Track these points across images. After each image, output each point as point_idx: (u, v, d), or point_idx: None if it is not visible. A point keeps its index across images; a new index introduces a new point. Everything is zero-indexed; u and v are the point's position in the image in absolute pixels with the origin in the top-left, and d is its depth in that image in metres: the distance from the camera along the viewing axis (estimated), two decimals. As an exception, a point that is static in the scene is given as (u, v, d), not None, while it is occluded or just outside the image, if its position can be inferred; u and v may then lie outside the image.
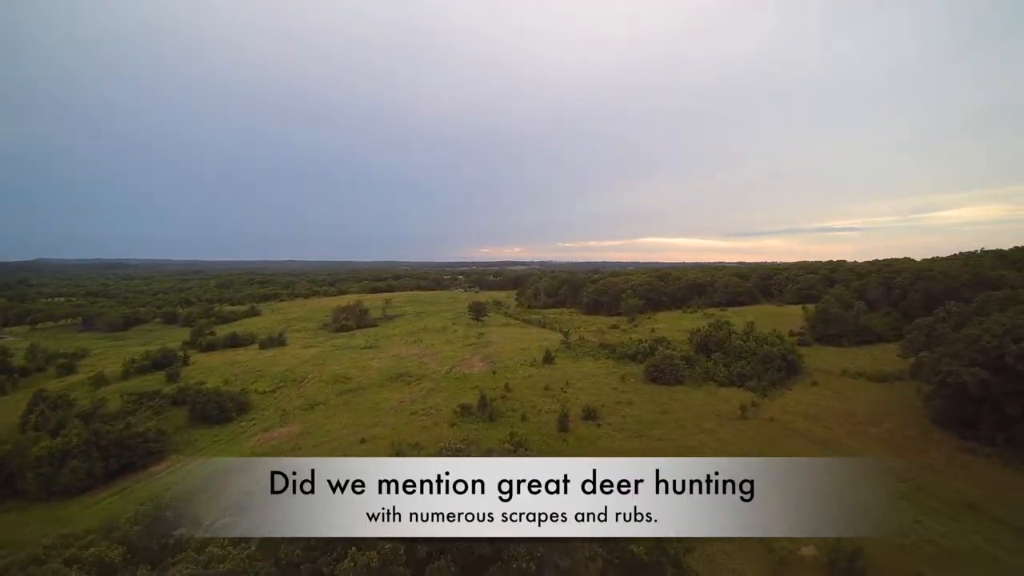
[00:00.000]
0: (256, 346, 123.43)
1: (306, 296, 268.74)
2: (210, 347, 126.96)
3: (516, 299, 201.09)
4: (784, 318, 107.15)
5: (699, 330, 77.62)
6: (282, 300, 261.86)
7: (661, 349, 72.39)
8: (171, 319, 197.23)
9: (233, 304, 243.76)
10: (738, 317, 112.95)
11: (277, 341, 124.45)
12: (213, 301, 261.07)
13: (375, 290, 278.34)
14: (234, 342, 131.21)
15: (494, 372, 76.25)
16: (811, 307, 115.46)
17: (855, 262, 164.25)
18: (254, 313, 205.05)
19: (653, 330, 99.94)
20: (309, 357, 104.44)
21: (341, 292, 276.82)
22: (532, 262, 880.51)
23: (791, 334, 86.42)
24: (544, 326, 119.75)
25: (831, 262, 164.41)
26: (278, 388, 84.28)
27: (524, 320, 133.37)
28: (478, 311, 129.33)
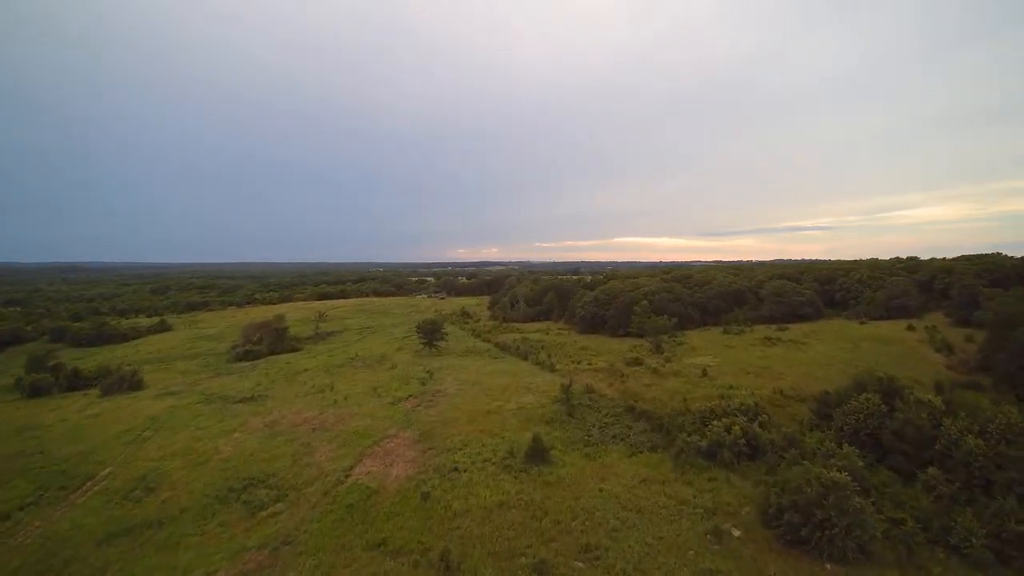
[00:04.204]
0: (98, 391, 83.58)
1: (240, 304, 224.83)
2: (39, 391, 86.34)
3: (489, 308, 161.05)
4: (896, 349, 69.58)
5: (833, 395, 38.84)
6: (212, 310, 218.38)
7: (785, 449, 33.44)
8: (59, 336, 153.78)
9: (151, 315, 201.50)
10: (820, 343, 75.33)
11: (128, 383, 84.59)
12: (127, 311, 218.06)
13: (325, 296, 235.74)
14: (74, 383, 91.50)
15: (426, 495, 36.19)
16: (919, 326, 78.81)
17: (915, 259, 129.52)
18: (163, 328, 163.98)
19: (706, 372, 61.23)
20: (143, 420, 63.92)
21: (284, 299, 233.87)
22: (509, 263, 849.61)
23: (955, 387, 48.44)
24: (526, 357, 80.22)
25: (891, 258, 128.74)
26: (31, 504, 44.69)
27: (497, 345, 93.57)
28: (431, 335, 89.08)
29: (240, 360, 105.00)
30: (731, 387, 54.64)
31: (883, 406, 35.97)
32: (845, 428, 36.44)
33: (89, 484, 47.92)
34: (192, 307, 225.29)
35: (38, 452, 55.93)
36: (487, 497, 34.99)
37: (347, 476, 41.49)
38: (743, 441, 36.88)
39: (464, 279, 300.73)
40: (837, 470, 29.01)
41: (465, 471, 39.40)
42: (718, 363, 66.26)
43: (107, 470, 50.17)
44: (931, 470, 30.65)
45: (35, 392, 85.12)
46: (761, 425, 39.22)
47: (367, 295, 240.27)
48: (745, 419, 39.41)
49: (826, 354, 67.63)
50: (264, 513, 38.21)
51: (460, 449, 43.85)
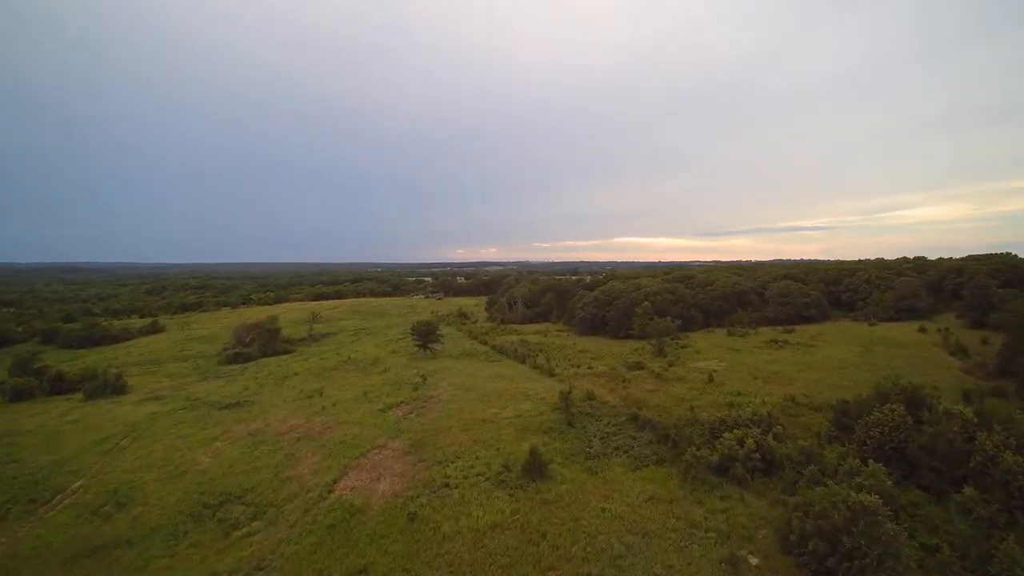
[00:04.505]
0: (81, 395, 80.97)
1: (234, 305, 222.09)
2: (21, 394, 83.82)
3: (487, 309, 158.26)
4: (909, 352, 66.87)
5: (852, 404, 36.06)
6: (206, 310, 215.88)
7: (801, 459, 30.64)
8: (50, 337, 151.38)
9: (144, 316, 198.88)
10: (829, 346, 72.67)
11: (112, 387, 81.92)
12: (120, 312, 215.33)
13: (321, 296, 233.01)
14: (58, 387, 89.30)
15: (413, 515, 33.35)
16: (930, 327, 76.27)
17: (922, 258, 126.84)
18: (155, 329, 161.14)
19: (712, 377, 58.47)
20: (122, 427, 61.22)
21: (280, 300, 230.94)
22: (508, 263, 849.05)
23: (984, 396, 45.62)
24: (524, 361, 77.37)
25: (885, 259, 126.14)
26: (-4, 521, 41.87)
27: (494, 347, 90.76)
28: (426, 336, 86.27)
29: (230, 363, 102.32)
30: (739, 394, 51.88)
31: (908, 417, 33.18)
32: (868, 442, 33.50)
33: (60, 497, 45.30)
34: (186, 308, 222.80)
35: (12, 461, 53.35)
36: (480, 517, 32.12)
37: (330, 492, 38.63)
38: (757, 455, 34.04)
39: (462, 279, 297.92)
40: (867, 491, 26.22)
41: (456, 487, 36.53)
42: (724, 367, 63.49)
43: (79, 482, 47.48)
44: (967, 490, 27.82)
45: (17, 396, 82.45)
46: (775, 437, 36.39)
47: (364, 295, 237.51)
48: (759, 431, 36.57)
49: (837, 358, 64.90)
50: (239, 533, 35.38)
51: (452, 462, 41.01)
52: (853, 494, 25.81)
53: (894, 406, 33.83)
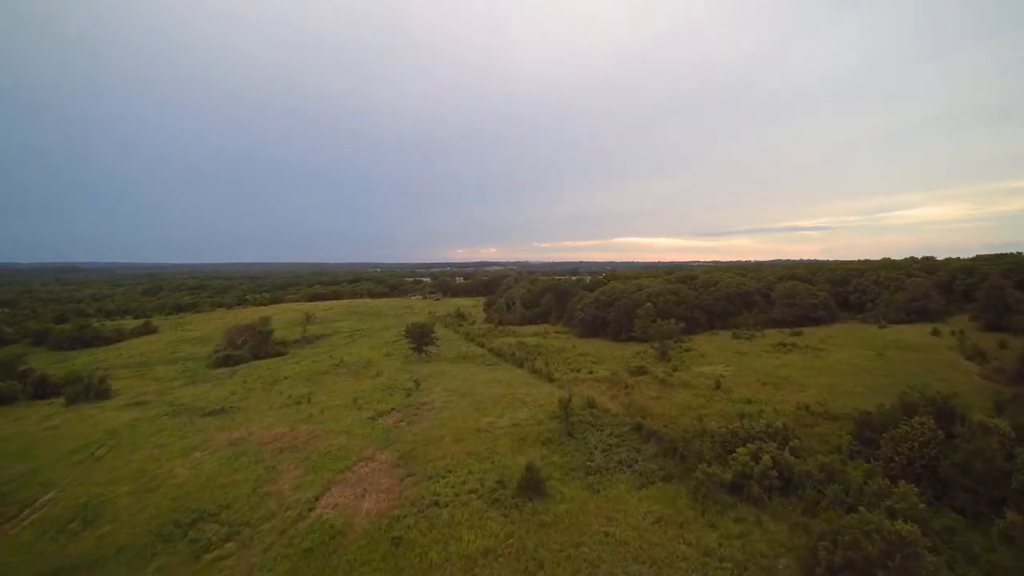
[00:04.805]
0: (63, 399, 78.31)
1: (229, 306, 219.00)
2: (3, 399, 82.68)
3: (485, 310, 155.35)
4: (925, 357, 63.99)
5: (875, 416, 33.22)
6: (201, 311, 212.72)
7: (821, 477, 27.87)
8: (41, 338, 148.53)
9: (138, 317, 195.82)
10: (839, 350, 69.83)
11: (96, 391, 79.14)
12: (114, 313, 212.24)
13: (317, 297, 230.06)
14: (41, 391, 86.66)
15: (398, 540, 30.47)
16: (944, 330, 73.39)
17: (931, 258, 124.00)
18: (148, 331, 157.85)
19: (719, 383, 55.53)
20: (101, 435, 58.51)
21: (275, 301, 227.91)
22: (508, 263, 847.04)
23: (1013, 405, 42.81)
24: (522, 364, 74.50)
25: (893, 259, 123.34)
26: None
27: (491, 350, 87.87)
28: (420, 339, 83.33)
29: (220, 366, 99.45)
30: (749, 401, 49.04)
31: (939, 432, 30.35)
32: (896, 459, 30.66)
33: (27, 512, 42.52)
34: (180, 308, 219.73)
35: (-14, 471, 50.53)
36: (471, 542, 29.28)
37: (310, 510, 35.72)
38: (774, 472, 31.16)
39: (461, 279, 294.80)
40: (900, 517, 23.40)
41: (447, 506, 33.67)
42: (731, 372, 60.61)
43: (50, 495, 44.70)
44: (1010, 515, 24.99)
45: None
46: (793, 452, 33.57)
47: (361, 296, 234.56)
48: (774, 444, 33.71)
49: (849, 362, 62.07)
50: (210, 556, 32.50)
51: (443, 476, 38.15)
52: (888, 522, 22.99)
53: (923, 419, 30.96)
